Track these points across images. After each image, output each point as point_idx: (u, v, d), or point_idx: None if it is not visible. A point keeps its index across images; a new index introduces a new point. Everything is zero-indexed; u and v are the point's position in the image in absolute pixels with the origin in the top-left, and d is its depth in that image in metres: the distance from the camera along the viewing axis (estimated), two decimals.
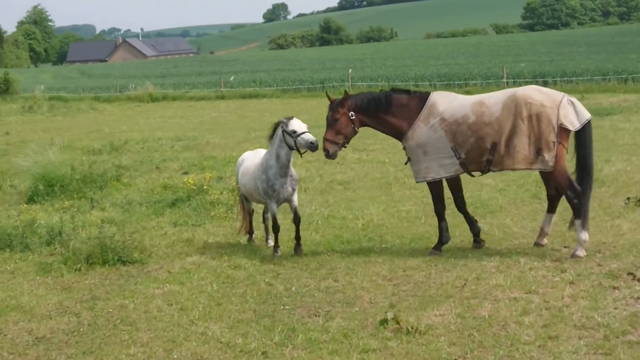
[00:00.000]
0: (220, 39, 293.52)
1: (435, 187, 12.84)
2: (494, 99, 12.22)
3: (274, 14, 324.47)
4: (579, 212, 12.03)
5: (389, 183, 19.16)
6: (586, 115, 12.05)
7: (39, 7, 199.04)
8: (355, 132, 12.95)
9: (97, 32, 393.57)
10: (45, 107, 50.04)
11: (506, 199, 16.37)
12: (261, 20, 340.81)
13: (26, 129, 39.14)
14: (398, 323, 9.50)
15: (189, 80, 67.75)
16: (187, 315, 10.59)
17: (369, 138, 23.31)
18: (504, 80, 43.67)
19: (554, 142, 11.77)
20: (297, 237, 13.38)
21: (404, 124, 12.60)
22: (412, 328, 9.36)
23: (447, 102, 12.50)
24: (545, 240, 12.77)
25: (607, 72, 44.51)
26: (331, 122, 12.76)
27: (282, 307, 10.72)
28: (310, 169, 21.56)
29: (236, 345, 9.45)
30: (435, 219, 13.23)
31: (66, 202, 18.51)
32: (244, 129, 32.48)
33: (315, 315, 10.30)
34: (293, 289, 11.45)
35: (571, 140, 12.24)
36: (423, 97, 12.67)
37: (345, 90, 13.61)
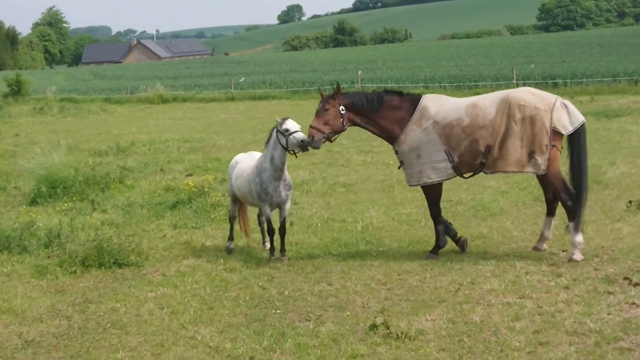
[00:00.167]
0: (234, 40, 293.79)
1: (430, 191, 12.73)
2: (488, 101, 12.10)
3: (289, 15, 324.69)
4: (573, 214, 11.93)
5: (391, 186, 19.05)
6: (580, 118, 11.88)
7: (54, 8, 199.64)
8: (344, 128, 12.79)
9: (113, 33, 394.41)
10: (56, 108, 50.02)
11: (508, 202, 16.25)
12: (276, 21, 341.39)
13: (36, 130, 39.16)
14: (388, 328, 9.40)
15: (200, 81, 67.67)
16: (177, 319, 10.53)
17: (375, 140, 23.06)
18: (514, 81, 43.39)
19: (546, 146, 11.66)
20: (282, 250, 13.26)
21: (396, 127, 12.49)
22: (401, 333, 9.28)
23: (439, 105, 12.38)
24: (544, 246, 12.63)
25: (618, 74, 44.12)
26: (320, 112, 12.66)
27: (273, 311, 10.64)
28: (314, 171, 21.48)
29: (224, 350, 9.38)
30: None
31: (65, 205, 18.45)
32: (252, 130, 32.38)
33: (307, 320, 10.22)
34: (286, 292, 11.37)
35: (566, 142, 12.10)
36: (415, 100, 12.55)
37: (337, 82, 13.44)
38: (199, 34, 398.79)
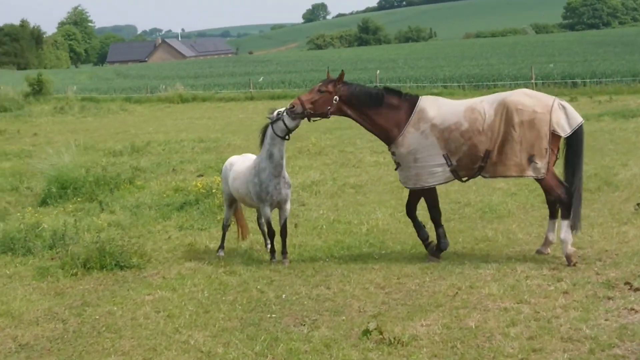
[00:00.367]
0: (259, 39, 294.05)
1: (429, 194, 12.60)
2: (486, 105, 11.93)
3: (314, 14, 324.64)
4: (568, 212, 11.81)
5: (400, 187, 18.62)
6: (578, 119, 11.70)
7: (79, 8, 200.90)
8: (327, 116, 12.68)
9: (139, 32, 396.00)
10: (76, 108, 50.24)
11: (516, 204, 16.08)
12: (301, 20, 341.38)
13: (55, 129, 39.32)
14: (381, 333, 9.30)
15: (221, 81, 67.69)
16: (172, 323, 10.47)
17: None
18: (533, 81, 43.09)
19: (546, 149, 11.52)
20: (284, 252, 13.16)
21: (394, 128, 12.35)
22: (394, 339, 9.17)
23: (436, 108, 12.23)
24: (548, 250, 12.43)
25: (638, 73, 43.68)
26: (314, 91, 12.60)
27: (269, 315, 10.55)
28: (325, 172, 21.38)
29: (216, 355, 9.33)
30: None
31: (71, 206, 18.47)
32: None
33: (301, 324, 10.13)
34: (283, 296, 11.28)
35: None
36: (412, 102, 12.39)
37: (342, 70, 13.23)
38: (224, 33, 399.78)
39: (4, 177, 24.03)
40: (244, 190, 13.23)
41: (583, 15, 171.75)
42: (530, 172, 11.71)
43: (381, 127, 12.49)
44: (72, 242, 14.66)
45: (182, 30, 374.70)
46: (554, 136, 11.60)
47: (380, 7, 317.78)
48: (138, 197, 19.25)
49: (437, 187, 12.62)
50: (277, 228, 13.28)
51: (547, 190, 12.10)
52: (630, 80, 42.42)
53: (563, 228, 11.81)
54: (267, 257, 13.46)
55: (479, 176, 12.20)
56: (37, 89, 58.13)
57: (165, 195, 19.07)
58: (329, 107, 12.47)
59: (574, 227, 11.88)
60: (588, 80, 43.74)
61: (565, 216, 11.85)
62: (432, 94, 42.05)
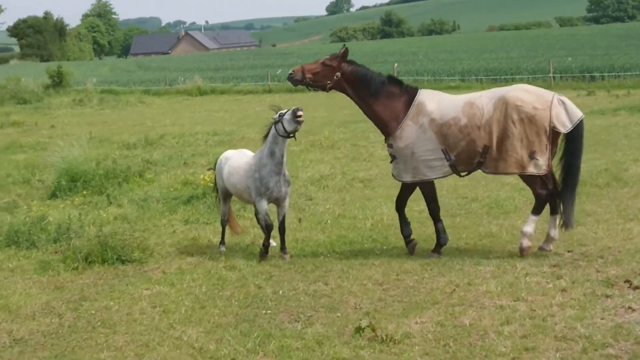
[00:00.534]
0: (283, 31, 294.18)
1: (427, 188, 12.51)
2: (485, 100, 11.81)
3: (337, 6, 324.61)
4: (540, 209, 11.95)
5: None
6: (578, 114, 11.55)
7: (103, 0, 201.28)
8: (325, 89, 12.69)
9: (163, 24, 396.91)
10: (95, 100, 50.46)
11: (523, 199, 15.89)
12: (324, 12, 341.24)
13: (73, 122, 39.51)
14: (374, 331, 9.22)
15: (240, 73, 67.68)
16: (167, 319, 10.42)
17: None
18: (551, 75, 42.83)
19: (546, 145, 11.40)
20: (283, 248, 13.10)
21: (392, 119, 12.25)
22: (386, 336, 9.07)
23: (435, 101, 12.12)
24: (550, 247, 12.25)
25: None
26: (320, 63, 12.57)
27: (264, 311, 10.48)
28: (336, 166, 21.32)
29: (208, 351, 9.26)
30: (445, 220, 12.95)
31: (79, 199, 18.49)
32: None
33: (296, 321, 10.05)
34: (280, 292, 11.20)
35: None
36: (412, 94, 12.30)
37: (344, 46, 13.22)
38: (248, 26, 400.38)
39: (17, 169, 24.19)
40: (242, 186, 13.15)
41: (608, 8, 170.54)
42: (531, 169, 11.59)
43: (378, 116, 12.43)
44: (77, 235, 14.66)
45: (206, 22, 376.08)
46: (554, 132, 11.47)
47: (403, 0, 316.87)
48: (147, 191, 19.25)
49: (443, 181, 12.55)
50: (275, 225, 13.22)
51: (527, 184, 12.04)
52: None
53: (529, 222, 11.89)
54: (269, 252, 13.29)
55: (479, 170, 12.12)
56: (57, 81, 58.43)
57: (173, 189, 19.05)
58: (329, 82, 12.46)
59: (566, 224, 11.77)
60: (606, 74, 43.44)
61: (537, 212, 11.93)
62: (449, 87, 42.20)
